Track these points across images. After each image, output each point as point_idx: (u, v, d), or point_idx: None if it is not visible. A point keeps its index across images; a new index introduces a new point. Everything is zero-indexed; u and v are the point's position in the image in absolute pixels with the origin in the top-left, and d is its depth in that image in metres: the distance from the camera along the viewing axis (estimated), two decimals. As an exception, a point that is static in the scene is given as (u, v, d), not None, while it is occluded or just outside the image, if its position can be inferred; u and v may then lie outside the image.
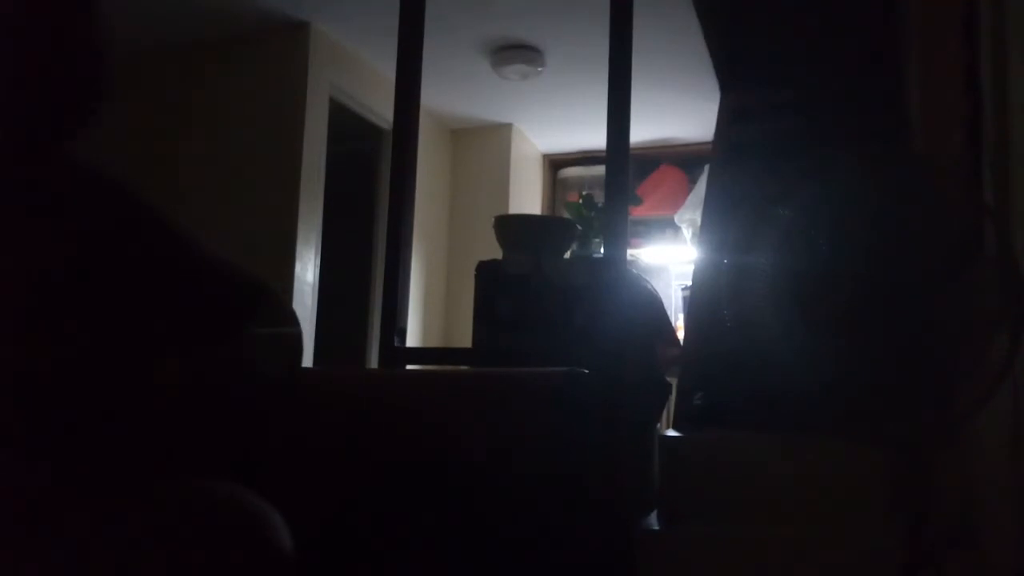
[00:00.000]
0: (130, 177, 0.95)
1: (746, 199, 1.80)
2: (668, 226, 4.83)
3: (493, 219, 2.26)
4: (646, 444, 2.21)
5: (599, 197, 2.35)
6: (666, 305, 2.92)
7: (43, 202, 0.89)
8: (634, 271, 3.21)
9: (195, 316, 0.96)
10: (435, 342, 4.63)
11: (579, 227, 2.38)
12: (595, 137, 4.79)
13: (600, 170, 4.50)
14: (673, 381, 2.43)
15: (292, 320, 1.12)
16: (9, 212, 0.88)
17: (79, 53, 0.95)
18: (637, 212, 4.68)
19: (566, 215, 2.89)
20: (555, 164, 5.34)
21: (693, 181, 4.78)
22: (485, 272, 2.15)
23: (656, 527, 1.45)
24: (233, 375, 1.00)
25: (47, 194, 0.90)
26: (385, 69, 3.94)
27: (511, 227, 2.25)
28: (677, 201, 4.73)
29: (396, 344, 1.94)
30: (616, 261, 1.82)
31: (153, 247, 0.94)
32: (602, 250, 2.13)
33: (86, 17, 0.95)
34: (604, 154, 1.87)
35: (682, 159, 4.98)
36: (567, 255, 2.27)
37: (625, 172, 1.84)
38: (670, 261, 4.89)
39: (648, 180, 5.04)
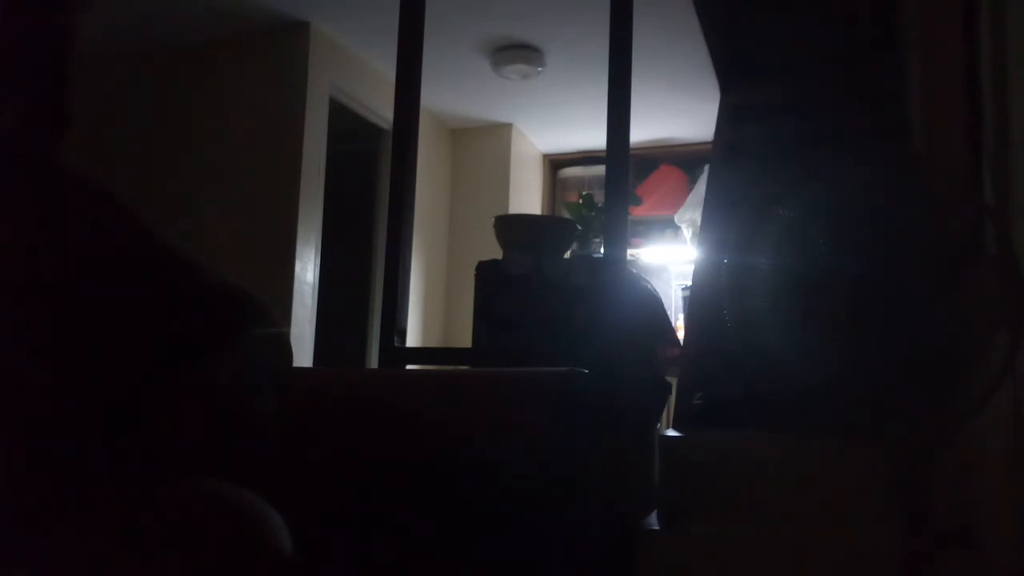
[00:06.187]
0: (126, 181, 0.95)
1: (746, 199, 1.81)
2: (668, 226, 4.83)
3: (493, 219, 2.26)
4: (646, 444, 2.21)
5: (599, 197, 2.35)
6: (666, 305, 2.91)
7: (29, 213, 0.89)
8: (634, 271, 3.21)
9: (194, 326, 0.96)
10: (435, 342, 4.63)
11: (579, 227, 2.38)
12: (595, 137, 4.80)
13: (600, 170, 4.51)
14: (673, 381, 2.43)
15: (279, 327, 1.13)
16: None
17: (59, 56, 0.94)
18: (637, 212, 4.69)
19: (566, 215, 2.89)
20: (555, 164, 5.34)
21: (693, 181, 4.78)
22: (485, 272, 2.15)
23: (656, 527, 1.45)
24: (232, 382, 1.00)
25: (33, 205, 0.90)
26: (385, 69, 3.94)
27: (511, 227, 2.25)
28: (677, 201, 4.73)
29: (396, 344, 1.94)
30: (616, 261, 1.82)
31: (144, 259, 0.94)
32: (602, 250, 2.13)
33: (64, 21, 0.94)
34: (604, 154, 1.87)
35: (682, 159, 4.98)
36: (567, 255, 2.27)
37: (625, 172, 1.84)
38: (670, 261, 4.89)
39: (648, 180, 5.04)
